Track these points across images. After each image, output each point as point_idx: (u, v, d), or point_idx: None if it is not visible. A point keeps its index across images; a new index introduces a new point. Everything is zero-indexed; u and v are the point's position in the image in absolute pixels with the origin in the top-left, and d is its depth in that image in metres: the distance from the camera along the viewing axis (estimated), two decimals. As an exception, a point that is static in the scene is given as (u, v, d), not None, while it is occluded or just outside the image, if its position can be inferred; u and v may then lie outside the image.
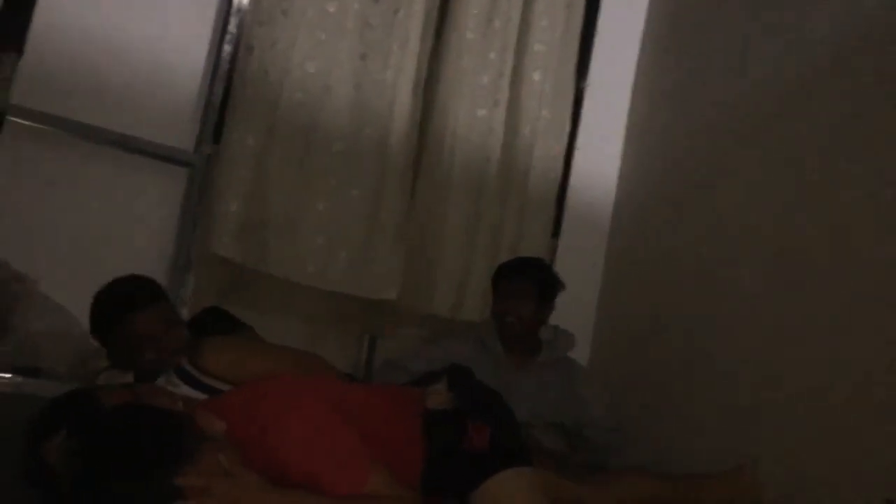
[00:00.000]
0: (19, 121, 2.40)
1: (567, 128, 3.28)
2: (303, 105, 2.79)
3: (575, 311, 3.26)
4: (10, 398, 1.94)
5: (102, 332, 1.97)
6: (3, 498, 1.56)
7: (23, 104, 2.41)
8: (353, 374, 2.47)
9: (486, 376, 2.16)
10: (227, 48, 2.77)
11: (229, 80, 2.75)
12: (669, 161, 3.28)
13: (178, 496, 1.52)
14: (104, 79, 2.61)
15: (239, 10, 2.78)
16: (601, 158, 3.42)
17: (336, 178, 2.83)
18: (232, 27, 2.78)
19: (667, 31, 3.43)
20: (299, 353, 2.07)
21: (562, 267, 3.26)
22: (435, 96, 3.07)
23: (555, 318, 3.24)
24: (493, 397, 2.00)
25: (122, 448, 1.52)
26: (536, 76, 3.19)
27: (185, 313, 2.66)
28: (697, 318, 2.91)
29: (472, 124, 3.08)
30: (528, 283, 2.68)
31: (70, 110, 2.54)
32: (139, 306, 1.91)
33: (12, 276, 2.41)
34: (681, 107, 3.27)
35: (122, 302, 1.93)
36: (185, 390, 1.86)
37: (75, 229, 2.58)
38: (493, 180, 3.11)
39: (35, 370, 2.31)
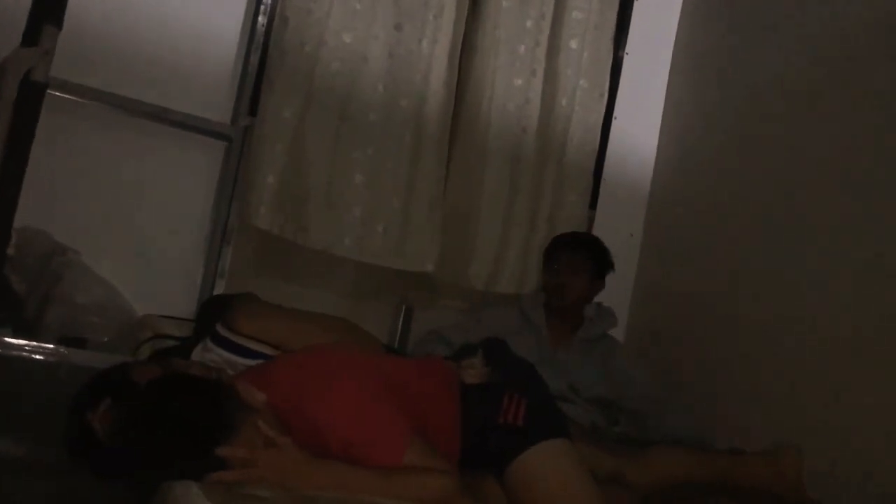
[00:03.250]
0: (59, 94, 2.41)
1: (605, 97, 3.23)
2: (338, 76, 2.77)
3: (612, 284, 3.23)
4: (55, 368, 1.98)
5: None
6: (53, 469, 1.60)
7: (62, 77, 2.43)
8: (390, 346, 2.48)
9: (526, 349, 2.16)
10: (261, 20, 2.76)
11: (265, 52, 2.75)
12: (710, 130, 3.22)
13: (221, 466, 1.55)
14: (141, 52, 2.62)
15: (275, -19, 2.77)
16: (640, 128, 3.37)
17: (372, 149, 2.82)
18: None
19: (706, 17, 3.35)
20: (334, 318, 2.08)
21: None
22: (471, 66, 3.03)
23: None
24: (529, 370, 1.99)
25: (167, 418, 1.54)
26: (574, 44, 3.14)
27: (223, 286, 2.69)
28: (739, 290, 2.87)
29: (508, 94, 3.05)
30: (585, 257, 2.71)
31: (108, 83, 2.55)
32: None
33: (55, 249, 2.45)
34: (722, 74, 3.20)
35: None
36: (222, 354, 1.88)
37: (114, 202, 2.60)
38: (530, 151, 3.07)
39: (79, 341, 2.35)
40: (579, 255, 2.72)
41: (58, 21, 1.35)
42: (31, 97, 1.20)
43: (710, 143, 3.21)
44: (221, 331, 1.89)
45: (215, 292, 2.66)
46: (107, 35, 2.57)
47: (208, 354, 1.88)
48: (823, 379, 2.44)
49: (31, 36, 1.25)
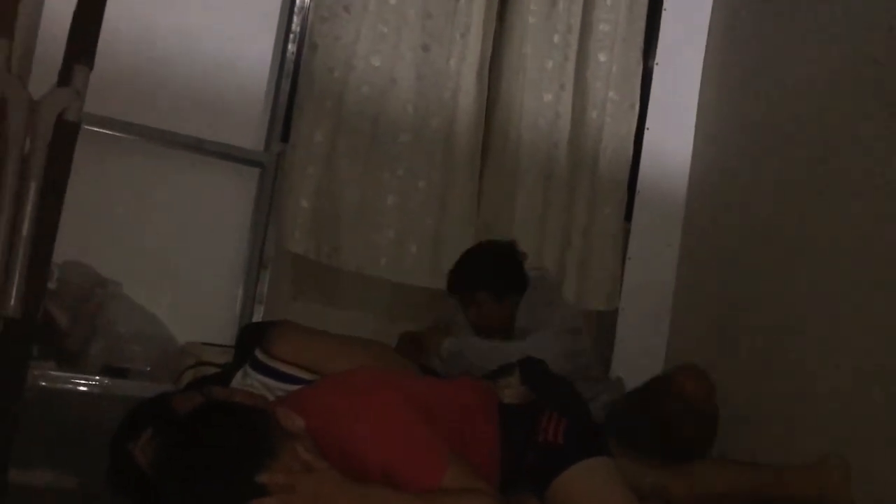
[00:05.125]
0: (93, 129, 2.46)
1: (636, 108, 3.22)
2: (368, 99, 2.80)
3: (651, 296, 3.21)
4: (98, 399, 2.01)
5: None
6: (97, 500, 1.62)
7: (98, 111, 2.47)
8: (426, 366, 2.47)
9: None
10: (291, 47, 2.80)
11: (295, 79, 2.78)
12: (745, 136, 3.17)
13: (261, 493, 1.55)
14: (173, 84, 2.67)
15: (302, 8, 2.81)
16: (673, 137, 3.33)
17: (404, 170, 2.84)
18: (295, 26, 2.81)
19: (739, 4, 3.31)
20: (369, 342, 2.08)
21: (636, 250, 3.22)
22: (500, 83, 3.04)
23: (631, 305, 3.20)
24: (567, 388, 1.97)
25: (208, 447, 1.55)
26: (602, 57, 3.13)
27: (261, 311, 2.72)
28: (780, 302, 2.81)
29: (538, 109, 3.05)
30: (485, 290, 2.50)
31: (142, 116, 2.60)
32: None
33: (96, 281, 2.50)
34: (755, 80, 3.16)
35: None
36: (261, 380, 1.89)
37: (152, 232, 2.65)
38: (563, 165, 3.07)
39: (122, 370, 2.39)
40: (479, 292, 2.49)
41: (89, 61, 1.38)
42: (65, 136, 1.23)
43: (745, 149, 3.16)
44: (260, 356, 1.90)
45: (254, 318, 2.69)
46: (139, 69, 2.62)
47: (248, 380, 1.90)
48: (874, 390, 2.38)
49: (65, 76, 1.29)
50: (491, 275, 2.49)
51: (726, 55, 3.32)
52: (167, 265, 2.66)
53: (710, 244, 3.22)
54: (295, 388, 1.87)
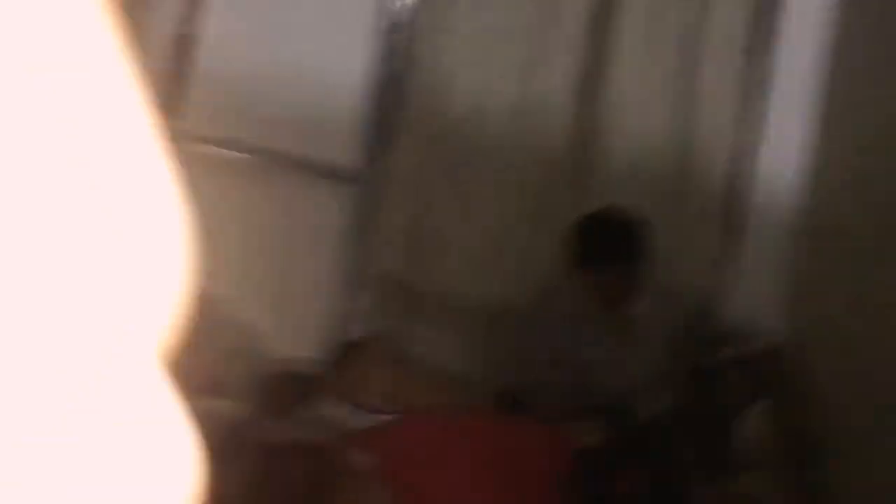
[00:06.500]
0: (192, 145, 2.54)
1: (750, 121, 3.04)
2: (465, 118, 2.78)
3: (762, 318, 3.04)
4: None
5: None
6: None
7: (195, 129, 2.54)
8: (513, 393, 2.42)
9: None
10: (389, 65, 2.80)
11: (394, 97, 2.78)
12: (868, 150, 2.95)
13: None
14: (271, 100, 2.72)
15: (400, 26, 2.80)
16: (789, 151, 3.12)
17: (500, 191, 2.80)
18: (394, 43, 2.80)
19: (869, 6, 3.07)
20: (442, 378, 2.06)
21: (746, 269, 3.05)
22: (601, 99, 2.93)
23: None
24: (652, 435, 1.89)
25: (275, 486, 1.58)
26: (712, 69, 2.97)
27: (359, 330, 2.74)
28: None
29: (643, 124, 2.93)
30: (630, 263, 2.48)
31: (240, 132, 2.67)
32: None
33: (208, 301, 2.58)
34: (879, 90, 2.93)
35: None
36: (337, 412, 1.91)
37: (250, 248, 2.71)
38: (669, 182, 2.94)
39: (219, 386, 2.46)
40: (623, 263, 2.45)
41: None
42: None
43: (868, 164, 2.94)
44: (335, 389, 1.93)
45: (348, 335, 2.71)
46: (237, 86, 2.68)
47: (326, 411, 1.92)
48: None
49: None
50: (632, 240, 2.45)
51: (848, 62, 3.09)
52: (264, 280, 2.71)
53: (828, 265, 3.02)
54: (371, 421, 1.88)
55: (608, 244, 2.41)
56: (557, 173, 2.84)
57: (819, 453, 2.51)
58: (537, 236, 2.81)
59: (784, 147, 3.12)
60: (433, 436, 1.70)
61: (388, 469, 1.66)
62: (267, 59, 2.72)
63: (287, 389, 2.08)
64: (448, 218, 2.76)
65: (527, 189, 2.82)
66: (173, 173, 0.20)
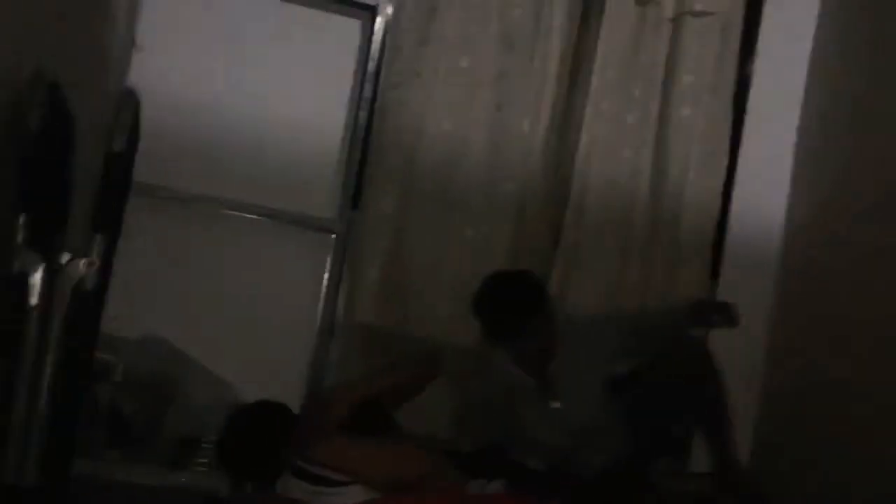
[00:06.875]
0: (166, 198, 2.55)
1: (725, 161, 3.04)
2: (439, 164, 2.79)
3: (741, 355, 3.04)
4: (157, 491, 2.09)
5: None
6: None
7: (169, 181, 2.55)
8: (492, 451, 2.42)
9: None
10: (362, 114, 2.81)
11: (366, 146, 2.79)
12: (848, 187, 2.95)
13: None
14: (245, 151, 2.74)
15: (374, 74, 2.80)
16: (766, 189, 3.12)
17: (475, 234, 2.81)
18: (367, 92, 2.81)
19: (841, 48, 3.08)
20: (410, 448, 2.06)
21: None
22: (577, 139, 2.93)
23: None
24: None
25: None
26: (686, 111, 2.97)
27: (332, 378, 2.75)
28: (883, 378, 2.60)
29: (616, 167, 2.93)
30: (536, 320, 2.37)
31: (214, 184, 2.68)
32: None
33: (173, 354, 2.59)
34: (858, 127, 2.94)
35: None
36: (304, 486, 1.92)
37: (224, 299, 2.73)
38: (641, 224, 2.94)
39: (195, 441, 2.48)
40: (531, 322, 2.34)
41: (113, 231, 1.39)
42: (84, 306, 1.26)
43: (848, 202, 2.94)
44: (300, 462, 1.93)
45: (322, 383, 2.73)
46: (211, 137, 2.70)
47: (292, 486, 1.93)
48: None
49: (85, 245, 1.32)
50: (535, 298, 2.36)
51: (828, 100, 3.10)
52: (239, 331, 2.73)
53: (808, 304, 3.03)
54: (331, 491, 1.89)
55: (501, 326, 2.31)
56: (532, 217, 2.85)
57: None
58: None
59: (758, 186, 3.13)
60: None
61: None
62: (241, 108, 2.74)
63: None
64: (423, 265, 2.77)
65: (502, 234, 2.83)
66: None
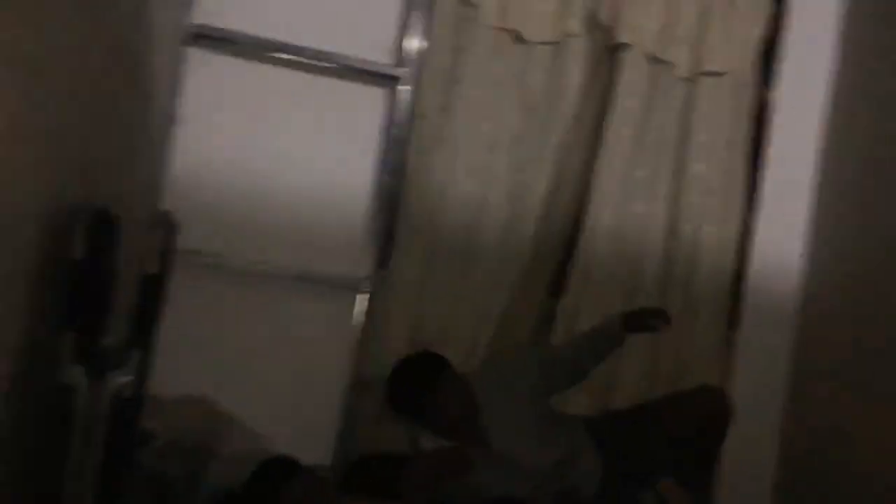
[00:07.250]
0: (194, 260, 2.69)
1: (740, 214, 3.11)
2: (462, 227, 2.91)
3: (759, 408, 3.08)
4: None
5: None
6: None
7: (197, 244, 2.67)
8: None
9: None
10: (388, 177, 2.92)
11: (393, 208, 2.91)
12: (869, 236, 2.99)
13: None
14: (273, 215, 2.87)
15: (399, 140, 2.92)
16: (784, 239, 3.18)
17: (497, 296, 2.92)
18: (392, 156, 2.92)
19: (856, 100, 3.12)
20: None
21: (743, 361, 3.12)
22: (589, 193, 3.01)
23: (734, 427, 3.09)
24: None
25: None
26: (700, 167, 3.04)
27: (358, 435, 2.87)
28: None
29: (627, 221, 3.02)
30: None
31: (240, 245, 2.82)
32: None
33: (212, 411, 2.73)
34: (881, 176, 2.97)
35: None
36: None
37: (254, 357, 2.86)
38: (653, 280, 3.02)
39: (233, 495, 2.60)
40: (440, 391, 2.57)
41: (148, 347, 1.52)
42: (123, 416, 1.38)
43: (868, 251, 2.98)
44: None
45: (351, 440, 2.84)
46: (238, 199, 2.84)
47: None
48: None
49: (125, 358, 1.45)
50: (430, 376, 2.58)
51: (842, 158, 3.14)
52: (272, 388, 2.86)
53: (829, 355, 3.06)
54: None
55: (405, 405, 2.60)
56: (544, 275, 2.96)
57: None
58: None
59: (777, 234, 3.18)
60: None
61: None
62: (268, 171, 2.87)
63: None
64: (448, 323, 2.89)
65: (527, 293, 2.94)
66: None
